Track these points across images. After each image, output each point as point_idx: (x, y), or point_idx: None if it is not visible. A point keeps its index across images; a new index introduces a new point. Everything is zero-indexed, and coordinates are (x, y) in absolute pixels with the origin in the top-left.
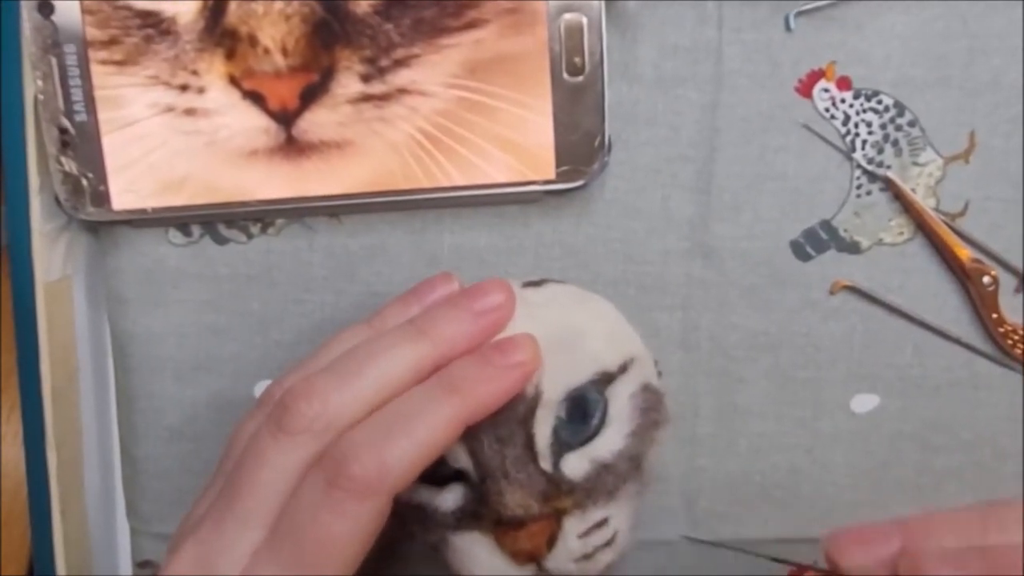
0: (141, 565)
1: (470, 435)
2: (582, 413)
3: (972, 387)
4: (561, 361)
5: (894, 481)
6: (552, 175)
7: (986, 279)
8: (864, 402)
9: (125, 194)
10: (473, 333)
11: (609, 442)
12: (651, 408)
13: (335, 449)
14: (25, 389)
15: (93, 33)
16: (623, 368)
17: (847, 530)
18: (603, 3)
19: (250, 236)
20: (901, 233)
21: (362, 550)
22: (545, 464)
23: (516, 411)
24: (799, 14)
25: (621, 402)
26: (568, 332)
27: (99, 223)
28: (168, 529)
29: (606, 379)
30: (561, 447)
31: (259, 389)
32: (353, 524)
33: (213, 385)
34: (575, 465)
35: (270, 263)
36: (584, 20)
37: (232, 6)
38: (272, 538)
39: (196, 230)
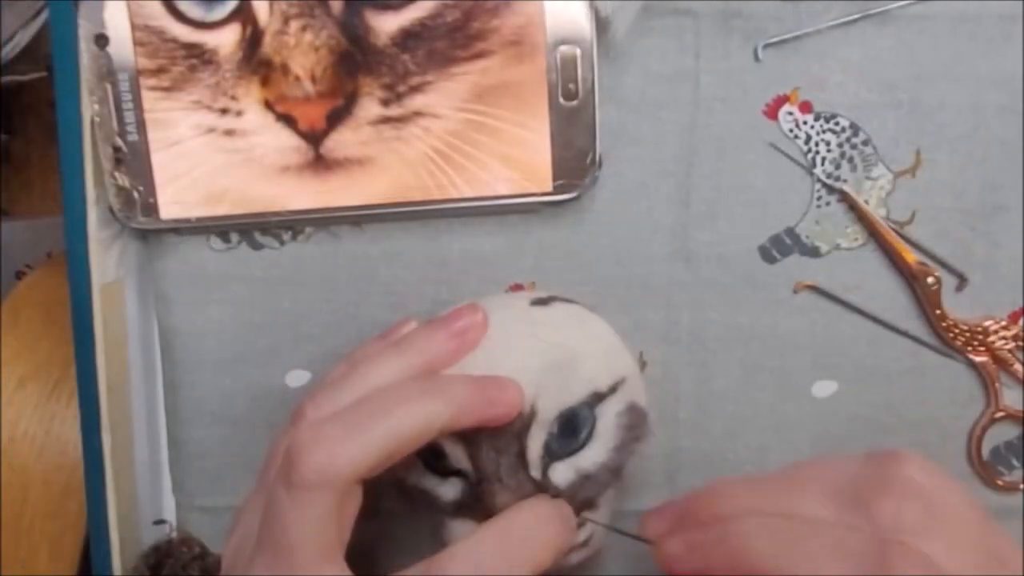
0: (156, 523)
1: (471, 441)
2: (572, 429)
3: (919, 375)
4: (558, 383)
5: None
6: (550, 188)
7: (930, 280)
8: (824, 388)
9: (172, 205)
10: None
11: (593, 455)
12: (635, 425)
13: (290, 447)
14: (82, 379)
15: (144, 63)
16: (613, 388)
17: (652, 508)
18: (595, 37)
19: (282, 243)
20: (856, 239)
21: (331, 536)
22: (535, 472)
23: (513, 426)
24: (767, 46)
25: (608, 419)
26: (567, 355)
27: (148, 231)
28: (209, 503)
29: (597, 398)
30: (550, 457)
31: (291, 378)
32: (308, 515)
33: (249, 375)
34: (562, 474)
35: (300, 266)
36: (578, 51)
37: (267, 39)
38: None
39: (234, 237)
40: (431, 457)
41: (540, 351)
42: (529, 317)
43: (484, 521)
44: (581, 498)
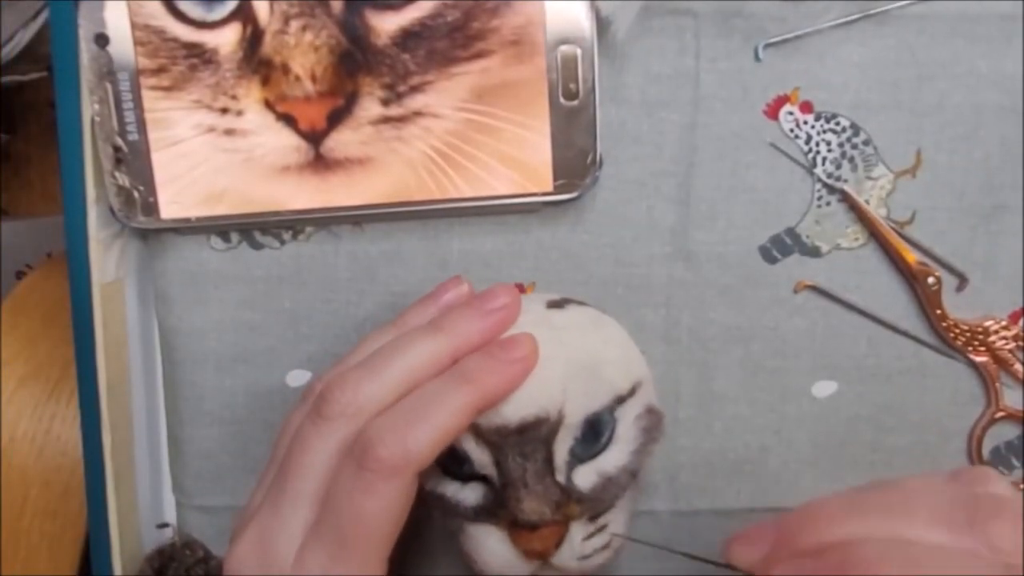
0: (160, 527)
1: (497, 447)
2: (595, 432)
3: (920, 375)
4: (583, 388)
5: (851, 458)
6: (550, 188)
7: (931, 280)
8: (824, 388)
9: (172, 205)
10: (483, 329)
11: (614, 458)
12: (652, 427)
13: (363, 435)
14: (82, 379)
15: (144, 62)
16: (632, 391)
17: (739, 533)
18: (595, 36)
19: (282, 242)
20: (856, 239)
21: (395, 526)
22: (560, 477)
23: (540, 432)
24: (767, 45)
25: (627, 422)
26: (590, 359)
27: (148, 231)
28: (209, 503)
29: (619, 402)
30: (574, 461)
31: (291, 378)
32: (383, 501)
33: (249, 375)
34: (585, 477)
35: (300, 266)
36: (578, 51)
37: (267, 38)
38: (318, 518)
39: (235, 237)
40: (451, 462)
41: (565, 356)
42: (549, 321)
43: (506, 524)
44: (603, 501)
